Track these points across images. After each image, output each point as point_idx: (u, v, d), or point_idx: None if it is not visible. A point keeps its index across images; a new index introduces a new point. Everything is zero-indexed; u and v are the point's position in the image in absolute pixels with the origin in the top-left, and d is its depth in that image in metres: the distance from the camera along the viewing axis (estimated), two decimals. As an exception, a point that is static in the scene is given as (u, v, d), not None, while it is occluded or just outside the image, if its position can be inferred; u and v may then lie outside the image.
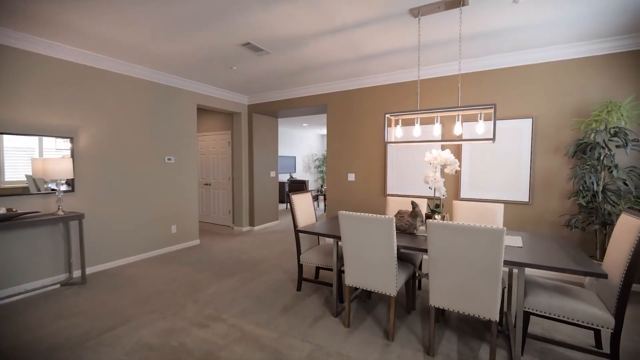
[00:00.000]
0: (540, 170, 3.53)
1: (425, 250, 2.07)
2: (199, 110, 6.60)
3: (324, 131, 11.64)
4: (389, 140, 2.73)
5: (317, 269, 3.24)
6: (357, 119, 4.65)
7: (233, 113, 5.81)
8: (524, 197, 3.59)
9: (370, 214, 2.15)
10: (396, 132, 2.78)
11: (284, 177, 10.69)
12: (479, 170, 3.81)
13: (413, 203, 2.43)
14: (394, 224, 2.09)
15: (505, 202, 3.70)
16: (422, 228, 2.63)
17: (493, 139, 2.18)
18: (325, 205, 8.44)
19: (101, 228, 3.73)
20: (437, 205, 2.52)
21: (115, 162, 3.85)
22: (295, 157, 11.29)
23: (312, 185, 12.50)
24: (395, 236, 2.11)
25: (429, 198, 4.10)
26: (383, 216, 2.11)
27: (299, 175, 11.62)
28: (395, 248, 2.13)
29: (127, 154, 3.97)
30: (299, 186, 8.47)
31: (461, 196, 3.92)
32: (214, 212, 6.51)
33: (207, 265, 3.87)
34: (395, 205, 3.40)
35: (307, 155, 12.16)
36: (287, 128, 10.43)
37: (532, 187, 3.56)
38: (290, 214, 7.46)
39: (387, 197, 4.37)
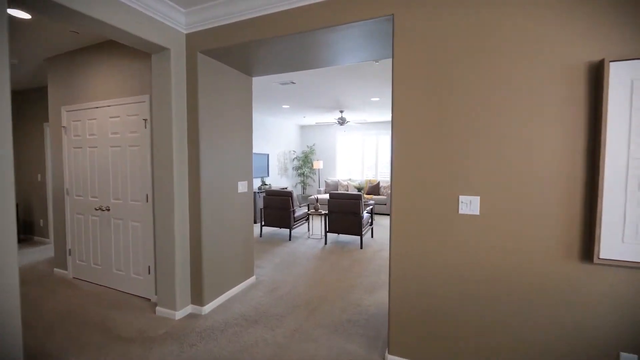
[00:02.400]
0: None
1: None
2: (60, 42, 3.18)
3: (307, 121, 8.55)
4: None
5: None
6: (496, 52, 1.69)
7: (151, 46, 2.52)
8: None
9: None
10: None
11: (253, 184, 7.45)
12: None
13: None
14: None
15: None
16: None
17: None
18: (327, 229, 5.25)
19: None
20: None
21: None
22: (268, 155, 8.11)
23: (289, 193, 9.36)
24: None
25: None
26: None
27: (273, 180, 8.43)
28: None
29: None
30: (283, 203, 5.32)
31: None
32: (117, 268, 3.15)
33: None
34: None
35: (283, 153, 9.02)
36: (257, 113, 7.19)
37: None
38: (274, 253, 4.29)
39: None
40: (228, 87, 2.94)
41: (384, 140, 9.00)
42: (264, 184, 7.36)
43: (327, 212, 5.18)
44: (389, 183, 9.08)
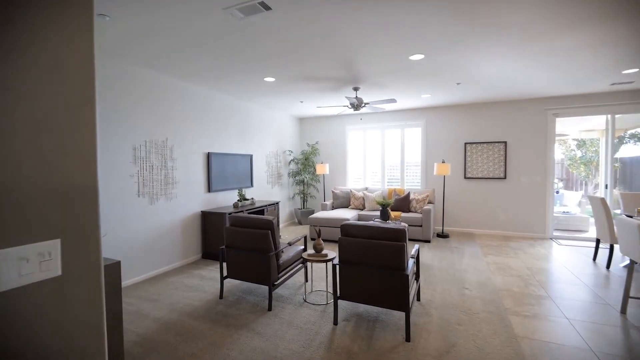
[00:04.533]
0: None
1: None
2: None
3: (306, 109, 6.16)
4: None
5: None
6: None
7: None
8: None
9: None
10: None
11: (225, 199, 5.11)
12: None
13: None
14: None
15: None
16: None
17: None
18: (337, 293, 2.49)
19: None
20: None
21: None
22: (251, 157, 5.75)
23: (284, 209, 7.01)
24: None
25: None
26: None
27: (260, 191, 6.07)
28: None
29: None
30: (257, 240, 2.94)
31: None
32: None
33: None
34: None
35: (275, 154, 6.65)
36: (232, 97, 4.80)
37: None
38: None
39: None
40: None
41: (412, 134, 6.57)
42: (242, 198, 5.01)
43: (336, 256, 2.79)
44: (424, 195, 5.47)
